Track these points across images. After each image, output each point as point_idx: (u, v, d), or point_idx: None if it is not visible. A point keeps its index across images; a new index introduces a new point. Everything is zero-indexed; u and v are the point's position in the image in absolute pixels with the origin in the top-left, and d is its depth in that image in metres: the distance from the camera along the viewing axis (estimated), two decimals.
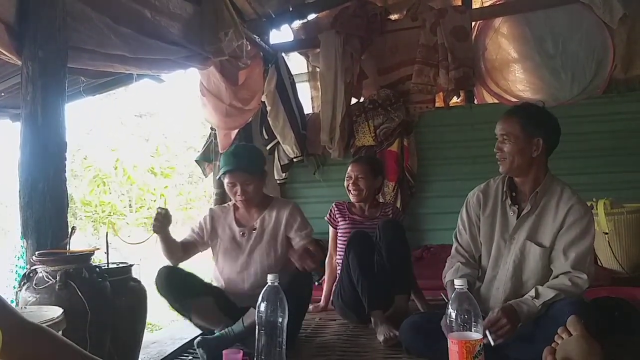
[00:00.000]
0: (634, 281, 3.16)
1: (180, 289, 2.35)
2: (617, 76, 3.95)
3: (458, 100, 4.40)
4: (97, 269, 1.85)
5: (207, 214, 2.68)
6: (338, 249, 2.94)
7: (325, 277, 3.03)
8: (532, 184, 2.05)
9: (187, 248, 2.57)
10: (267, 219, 2.60)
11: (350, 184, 2.89)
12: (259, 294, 2.46)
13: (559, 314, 1.74)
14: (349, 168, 2.95)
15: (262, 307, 1.78)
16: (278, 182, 4.46)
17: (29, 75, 2.03)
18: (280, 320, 1.79)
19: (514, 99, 4.10)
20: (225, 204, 2.77)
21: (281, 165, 4.39)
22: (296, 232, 2.55)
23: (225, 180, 2.55)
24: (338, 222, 2.94)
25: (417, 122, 4.33)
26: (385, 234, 2.64)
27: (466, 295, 1.53)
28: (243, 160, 2.53)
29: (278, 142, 4.32)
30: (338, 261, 2.92)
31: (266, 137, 4.38)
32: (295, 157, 4.30)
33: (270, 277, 1.81)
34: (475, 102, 4.34)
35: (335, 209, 2.98)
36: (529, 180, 2.05)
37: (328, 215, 3.00)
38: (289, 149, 4.26)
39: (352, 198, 2.91)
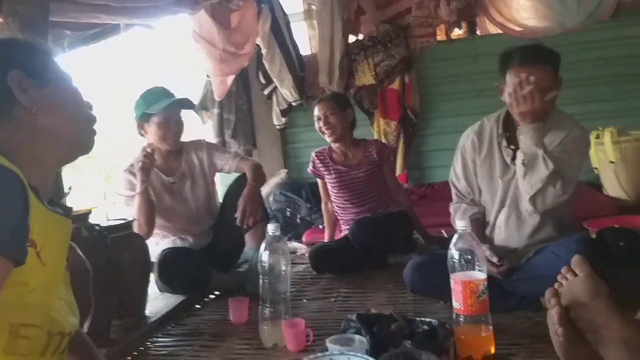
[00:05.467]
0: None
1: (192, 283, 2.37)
2: None
3: (460, 32, 4.26)
4: (97, 227, 1.84)
5: (127, 175, 2.42)
6: (332, 198, 2.90)
7: (325, 221, 3.03)
8: None
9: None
10: (191, 163, 2.59)
11: (321, 125, 2.77)
12: (208, 228, 2.61)
13: (564, 250, 1.72)
14: (315, 110, 2.81)
15: (265, 256, 1.78)
16: (277, 127, 4.40)
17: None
18: (283, 268, 1.80)
19: (518, 28, 3.95)
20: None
21: (280, 111, 4.31)
22: (222, 155, 2.64)
23: (157, 119, 2.41)
24: (323, 173, 2.85)
25: (418, 58, 4.19)
26: (358, 242, 2.62)
27: (469, 236, 1.53)
28: (174, 95, 2.49)
29: (276, 87, 4.22)
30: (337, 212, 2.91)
31: (263, 81, 4.27)
32: (294, 101, 4.21)
33: (271, 227, 1.81)
34: (478, 33, 4.19)
35: (317, 160, 2.86)
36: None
37: (311, 167, 2.89)
38: (287, 92, 4.16)
39: (328, 139, 2.80)
